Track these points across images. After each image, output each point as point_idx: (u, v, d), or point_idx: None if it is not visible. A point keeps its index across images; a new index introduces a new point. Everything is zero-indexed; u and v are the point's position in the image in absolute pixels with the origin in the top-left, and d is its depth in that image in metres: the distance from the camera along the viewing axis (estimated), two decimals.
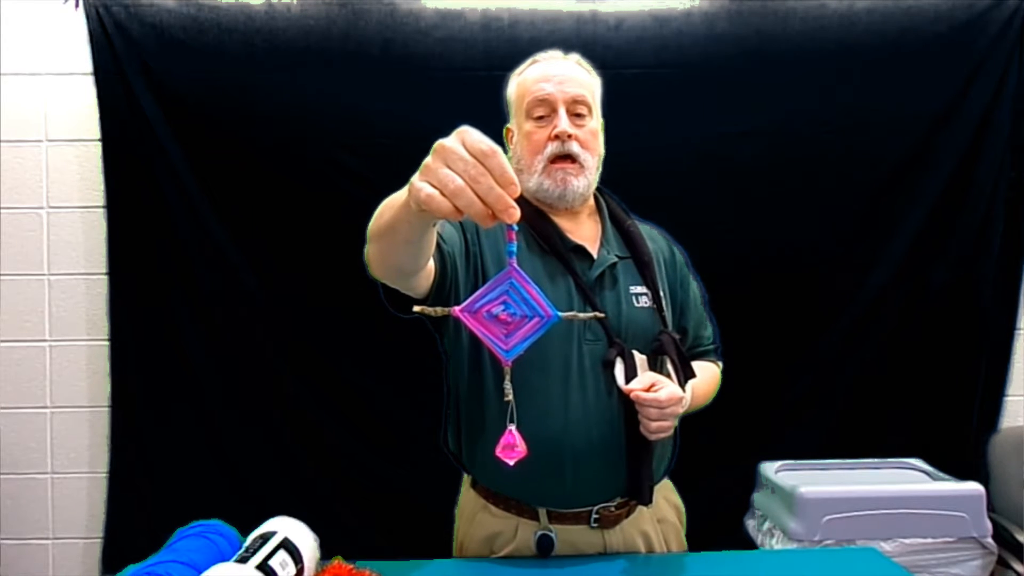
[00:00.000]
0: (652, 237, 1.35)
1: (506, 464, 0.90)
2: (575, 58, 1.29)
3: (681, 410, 1.15)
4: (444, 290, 1.13)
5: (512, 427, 0.90)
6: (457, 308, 0.80)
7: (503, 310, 0.79)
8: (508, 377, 0.86)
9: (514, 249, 0.77)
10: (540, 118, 1.22)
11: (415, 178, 0.75)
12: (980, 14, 2.27)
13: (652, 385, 1.12)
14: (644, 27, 2.27)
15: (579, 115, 1.23)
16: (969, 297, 2.33)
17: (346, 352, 2.29)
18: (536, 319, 0.80)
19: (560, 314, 0.80)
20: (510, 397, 0.88)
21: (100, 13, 2.23)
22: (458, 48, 2.25)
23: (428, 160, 0.74)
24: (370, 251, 1.01)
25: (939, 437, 2.33)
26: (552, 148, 1.21)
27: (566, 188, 1.22)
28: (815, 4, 2.27)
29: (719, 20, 2.27)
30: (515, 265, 0.78)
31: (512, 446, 0.90)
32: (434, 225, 0.92)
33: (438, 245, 1.10)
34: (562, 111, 1.21)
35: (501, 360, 0.82)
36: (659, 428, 1.12)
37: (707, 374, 1.35)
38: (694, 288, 1.39)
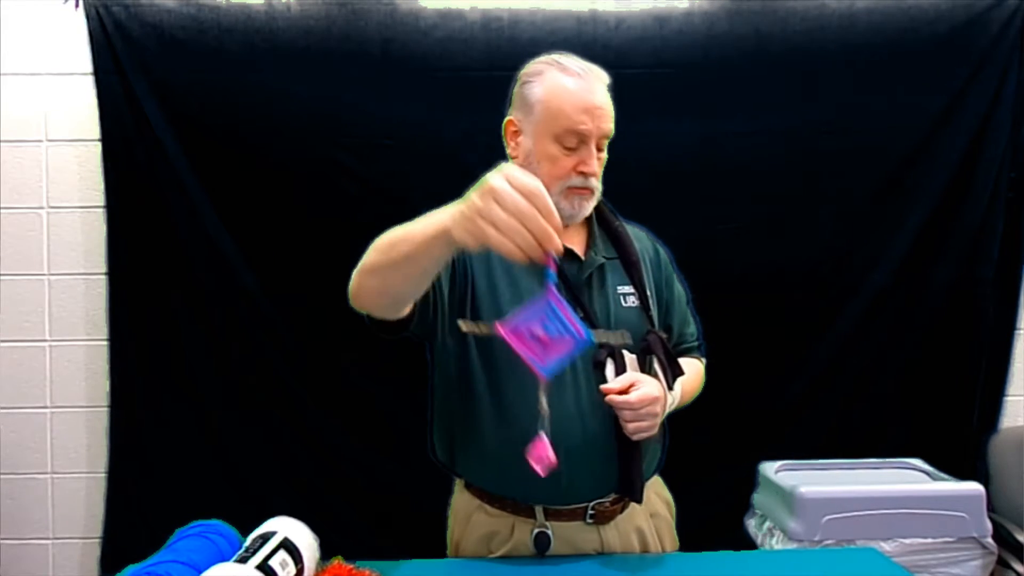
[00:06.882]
0: (638, 237, 1.37)
1: (536, 472, 0.98)
2: (606, 79, 1.24)
3: (660, 409, 1.16)
4: (428, 304, 1.17)
5: (543, 434, 0.97)
6: (500, 326, 0.89)
7: (542, 330, 0.87)
8: (543, 391, 0.95)
9: (553, 275, 0.86)
10: (570, 147, 1.21)
11: (466, 216, 0.82)
12: (980, 14, 2.27)
13: (631, 385, 1.13)
14: (644, 27, 2.27)
15: (599, 147, 1.24)
16: (969, 297, 2.33)
17: (346, 352, 2.29)
18: (570, 339, 0.88)
19: (593, 338, 0.90)
20: (545, 411, 0.97)
21: (100, 13, 2.23)
22: (458, 48, 2.25)
23: (476, 200, 0.81)
24: (366, 284, 1.03)
25: (939, 437, 2.33)
26: (575, 180, 1.21)
27: (580, 211, 1.24)
28: (815, 4, 2.27)
29: (719, 20, 2.27)
30: (553, 289, 0.86)
31: (544, 456, 0.97)
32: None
33: None
34: (593, 148, 1.21)
35: (539, 376, 0.90)
36: (636, 429, 1.14)
37: (692, 371, 1.37)
38: (678, 287, 1.41)
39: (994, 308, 2.35)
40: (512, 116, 1.27)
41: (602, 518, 1.23)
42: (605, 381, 1.17)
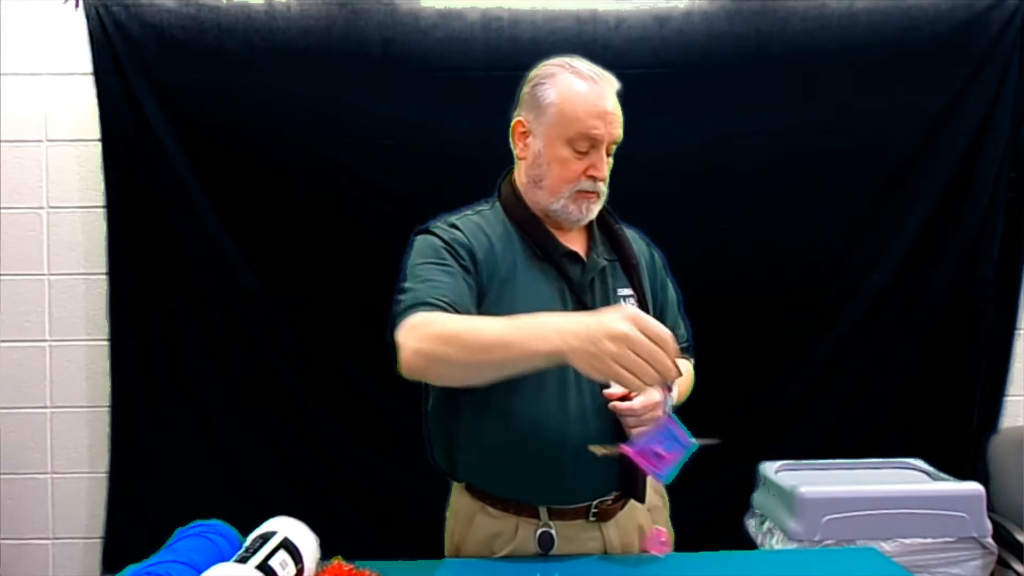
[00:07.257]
0: (633, 239, 1.37)
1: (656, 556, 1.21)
2: (616, 85, 1.25)
3: (661, 413, 1.16)
4: None
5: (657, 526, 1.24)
6: (625, 448, 1.05)
7: (662, 448, 1.04)
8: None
9: (671, 403, 1.09)
10: (581, 151, 1.21)
11: (594, 355, 0.91)
12: (980, 14, 2.27)
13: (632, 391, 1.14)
14: (644, 27, 2.27)
15: (607, 151, 1.24)
16: (969, 297, 2.33)
17: (346, 352, 2.29)
18: (681, 449, 1.04)
19: (697, 443, 1.06)
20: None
21: (100, 13, 2.23)
22: (458, 48, 2.25)
23: (608, 344, 0.89)
24: (436, 370, 1.09)
25: (939, 437, 2.33)
26: (585, 184, 1.22)
27: (587, 215, 1.26)
28: (815, 4, 2.27)
29: (719, 20, 2.27)
30: (671, 415, 1.07)
31: (664, 543, 1.21)
32: None
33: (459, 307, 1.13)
34: (603, 153, 1.22)
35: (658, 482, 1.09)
36: (640, 433, 1.14)
37: (685, 372, 1.38)
38: (671, 289, 1.43)
39: (994, 308, 2.35)
40: (521, 117, 1.27)
41: (604, 516, 1.24)
42: (608, 385, 1.17)
